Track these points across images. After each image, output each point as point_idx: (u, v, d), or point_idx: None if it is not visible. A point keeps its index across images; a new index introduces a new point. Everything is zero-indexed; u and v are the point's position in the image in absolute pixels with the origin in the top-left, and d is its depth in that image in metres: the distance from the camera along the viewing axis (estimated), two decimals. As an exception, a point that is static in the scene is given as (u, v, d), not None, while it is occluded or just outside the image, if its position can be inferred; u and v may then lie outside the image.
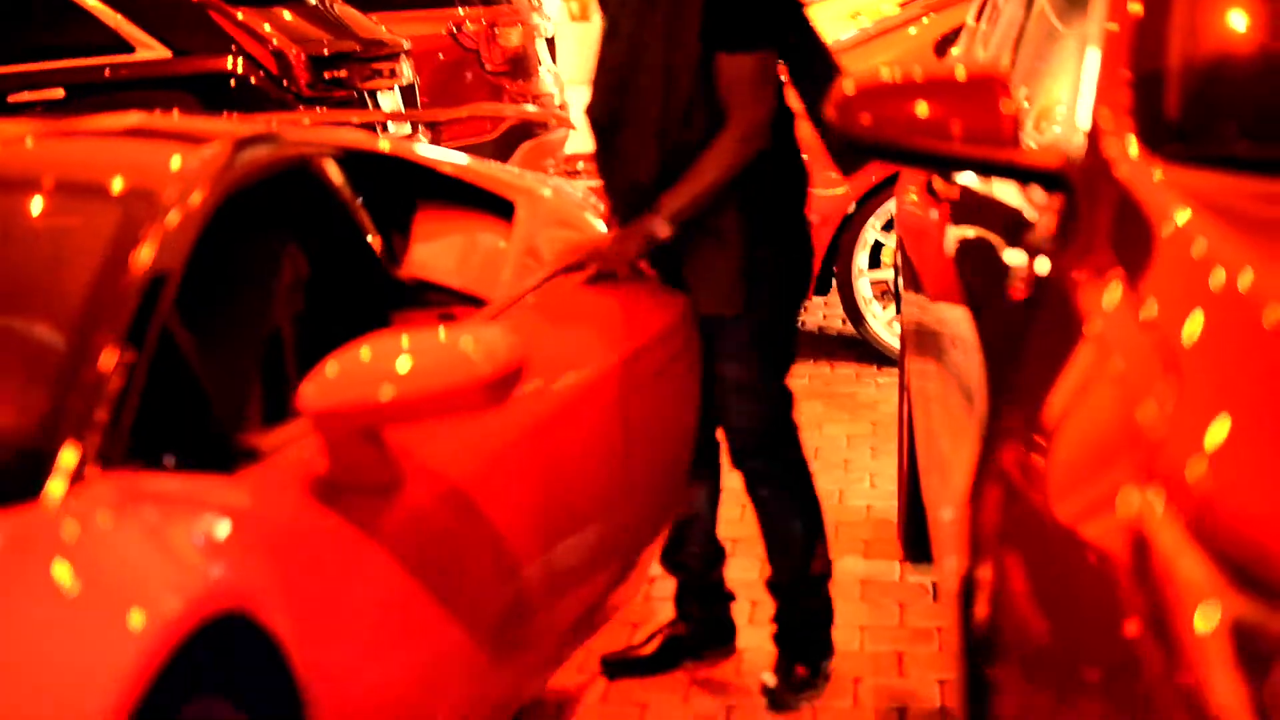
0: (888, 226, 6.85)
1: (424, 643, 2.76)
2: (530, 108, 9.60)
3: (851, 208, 6.94)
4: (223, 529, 2.36)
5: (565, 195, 4.39)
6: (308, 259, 3.43)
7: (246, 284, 3.22)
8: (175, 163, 2.93)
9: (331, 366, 2.55)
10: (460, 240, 4.01)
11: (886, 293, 6.86)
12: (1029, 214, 2.67)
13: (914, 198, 4.27)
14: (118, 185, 2.82)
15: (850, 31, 8.92)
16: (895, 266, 5.01)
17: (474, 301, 3.75)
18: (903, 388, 4.54)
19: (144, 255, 2.63)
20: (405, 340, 2.58)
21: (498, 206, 4.10)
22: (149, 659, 2.03)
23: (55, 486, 2.27)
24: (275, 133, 3.43)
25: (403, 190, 4.00)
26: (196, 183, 2.86)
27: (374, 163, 3.93)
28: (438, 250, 3.95)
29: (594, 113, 3.79)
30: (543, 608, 3.13)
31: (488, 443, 2.95)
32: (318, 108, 7.57)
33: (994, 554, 2.10)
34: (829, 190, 6.97)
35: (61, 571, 2.12)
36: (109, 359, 2.44)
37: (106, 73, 7.49)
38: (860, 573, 4.64)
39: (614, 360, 3.41)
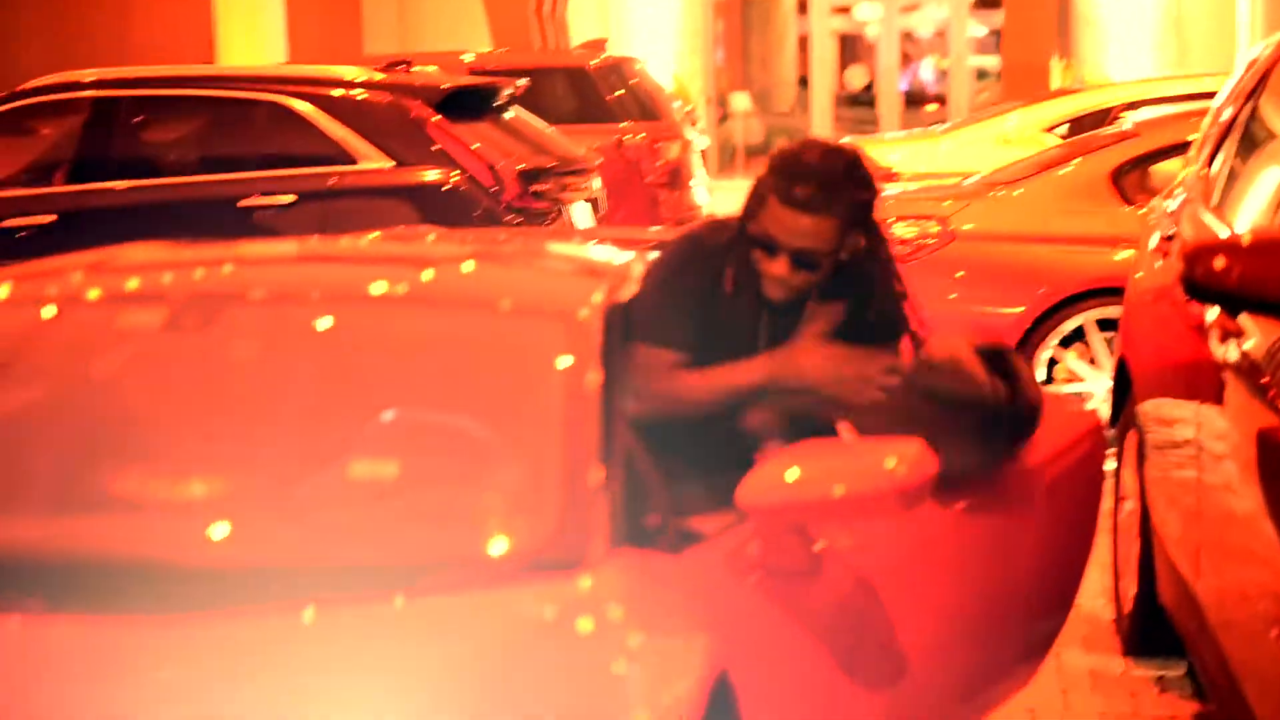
0: (1064, 343, 7.35)
1: (832, 707, 3.26)
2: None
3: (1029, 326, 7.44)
4: (701, 603, 2.87)
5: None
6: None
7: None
8: (597, 295, 3.41)
9: (774, 469, 3.05)
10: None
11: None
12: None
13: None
14: (562, 310, 3.34)
15: (1001, 157, 9.46)
16: (1118, 378, 5.42)
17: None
18: (1143, 490, 4.98)
19: (590, 372, 3.14)
20: (834, 451, 3.08)
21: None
22: (701, 696, 2.55)
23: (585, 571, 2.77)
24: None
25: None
26: (602, 308, 3.36)
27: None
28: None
29: None
30: (938, 686, 3.60)
31: (893, 542, 3.44)
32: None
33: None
34: (1006, 309, 7.52)
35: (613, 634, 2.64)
36: (597, 460, 2.95)
37: (332, 181, 8.09)
38: (1086, 666, 5.11)
39: (1014, 472, 3.78)
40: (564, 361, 3.18)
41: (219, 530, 2.87)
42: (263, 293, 3.47)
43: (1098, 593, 5.63)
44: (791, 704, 3.13)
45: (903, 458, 3.07)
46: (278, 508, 2.95)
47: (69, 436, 3.16)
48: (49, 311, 3.41)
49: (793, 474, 3.02)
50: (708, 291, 3.46)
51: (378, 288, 3.49)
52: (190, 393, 3.24)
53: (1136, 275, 5.35)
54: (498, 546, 2.79)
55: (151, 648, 2.54)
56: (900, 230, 7.65)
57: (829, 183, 3.40)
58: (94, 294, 3.46)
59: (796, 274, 3.42)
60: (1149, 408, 4.87)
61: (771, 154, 3.51)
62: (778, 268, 3.41)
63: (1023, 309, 7.45)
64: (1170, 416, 4.56)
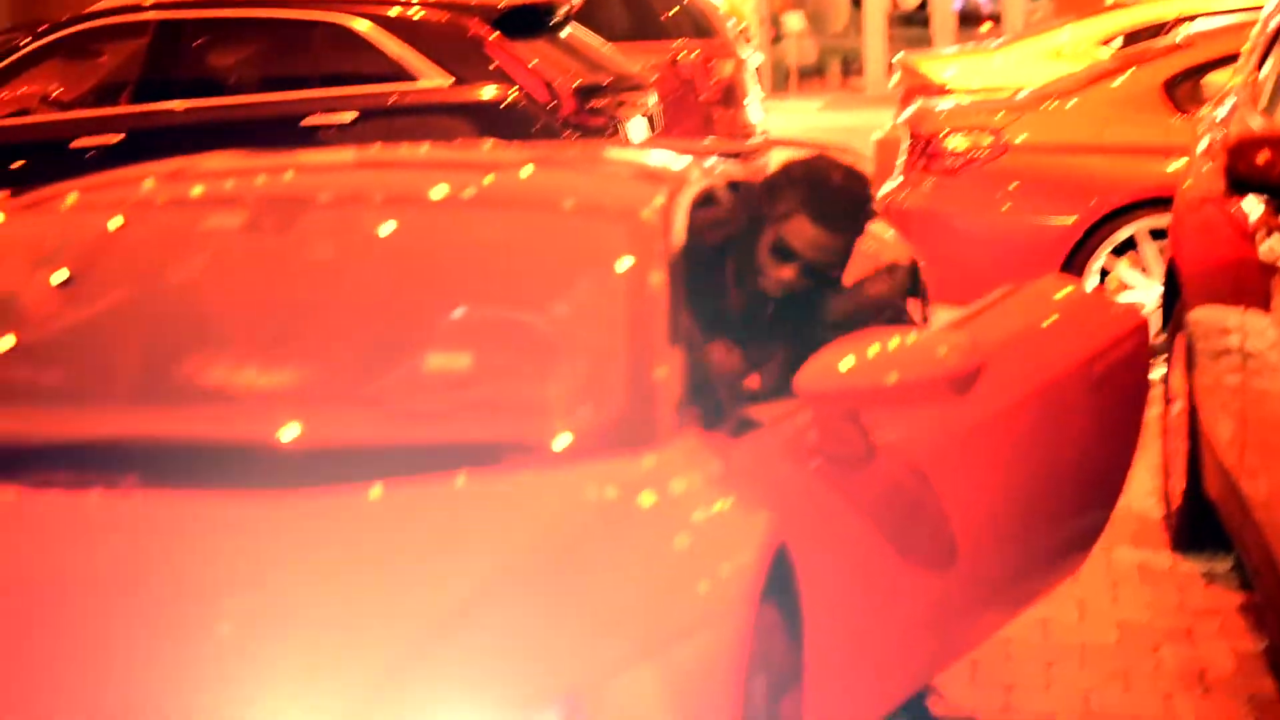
0: (1116, 252, 7.43)
1: (886, 590, 3.40)
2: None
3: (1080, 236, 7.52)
4: (760, 483, 3.01)
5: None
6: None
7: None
8: (659, 198, 3.54)
9: (830, 357, 3.18)
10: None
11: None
12: None
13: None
14: (626, 210, 3.47)
15: (1054, 71, 9.49)
16: (1168, 285, 5.52)
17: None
18: (1191, 392, 5.09)
19: (653, 269, 3.28)
20: (888, 341, 3.21)
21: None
22: (761, 568, 2.70)
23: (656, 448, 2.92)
24: (708, 165, 4.06)
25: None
26: (665, 209, 3.49)
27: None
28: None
29: None
30: (995, 562, 3.74)
31: (943, 430, 3.57)
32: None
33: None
34: (1057, 219, 7.60)
35: (678, 505, 2.79)
36: (660, 349, 3.09)
37: (392, 99, 8.22)
38: (1135, 560, 5.24)
39: (1060, 369, 3.92)
40: (628, 258, 3.31)
41: (297, 415, 3.03)
42: (338, 196, 3.63)
43: (1147, 492, 5.75)
44: (846, 584, 3.28)
45: (953, 347, 3.20)
46: (352, 395, 3.10)
47: (158, 330, 3.32)
48: (137, 214, 3.57)
49: (847, 362, 3.15)
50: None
51: (450, 190, 3.63)
52: (271, 290, 3.40)
53: (1186, 182, 5.43)
54: (564, 429, 2.93)
55: (233, 520, 2.70)
56: (953, 142, 7.73)
57: (860, 205, 3.61)
58: (178, 197, 3.61)
59: (802, 279, 3.56)
60: (1198, 313, 4.96)
61: (794, 169, 3.65)
62: (787, 273, 3.55)
63: (1075, 219, 7.52)
64: (1219, 319, 4.67)
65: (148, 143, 8.19)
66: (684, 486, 2.86)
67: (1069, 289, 4.22)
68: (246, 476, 2.77)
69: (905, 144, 8.08)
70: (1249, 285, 4.27)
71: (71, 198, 3.72)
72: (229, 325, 3.33)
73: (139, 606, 2.50)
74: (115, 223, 3.56)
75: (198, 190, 3.70)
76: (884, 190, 8.22)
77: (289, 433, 2.93)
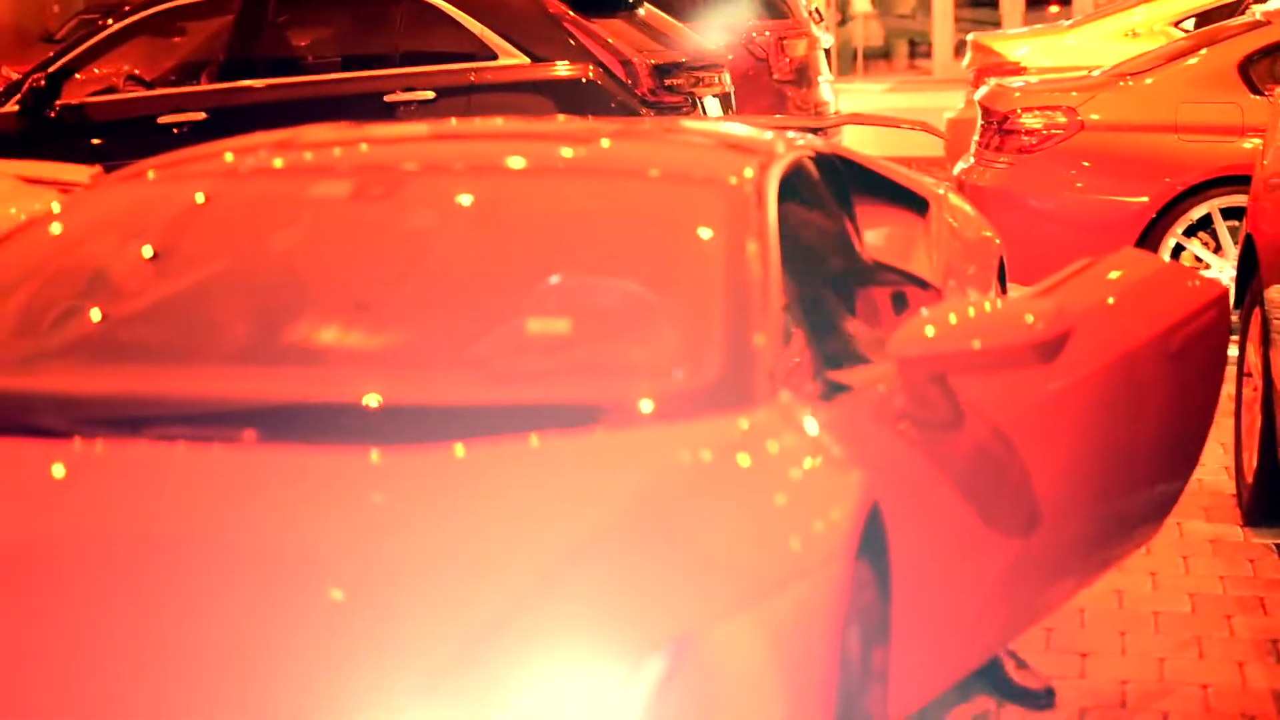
0: (1189, 232, 7.48)
1: (968, 553, 3.50)
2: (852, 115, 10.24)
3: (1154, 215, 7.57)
4: (853, 443, 3.11)
5: (947, 196, 5.15)
6: (827, 236, 4.17)
7: (801, 255, 3.95)
8: (749, 169, 3.66)
9: (922, 322, 3.28)
10: (894, 229, 4.74)
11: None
12: None
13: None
14: (721, 178, 3.59)
15: (1127, 51, 9.52)
16: (1243, 263, 5.58)
17: (917, 282, 4.46)
18: (1267, 366, 5.15)
19: (747, 236, 3.39)
20: (977, 306, 3.31)
21: (913, 202, 4.85)
22: (858, 523, 2.81)
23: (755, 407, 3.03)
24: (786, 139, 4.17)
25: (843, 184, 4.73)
26: (769, 179, 3.61)
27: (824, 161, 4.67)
28: (878, 236, 4.68)
29: None
30: (1073, 529, 3.83)
31: (1030, 396, 3.66)
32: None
33: None
34: (1130, 198, 7.65)
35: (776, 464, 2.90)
36: (764, 311, 3.20)
37: (471, 78, 8.35)
38: (1207, 534, 5.31)
39: (1140, 339, 3.97)
40: (725, 225, 3.42)
41: (404, 376, 3.15)
42: (436, 165, 3.75)
43: (1219, 468, 5.81)
44: (932, 546, 3.37)
45: (1040, 314, 3.29)
46: (457, 358, 3.22)
47: (267, 296, 3.44)
48: (242, 184, 3.71)
49: (935, 327, 3.24)
50: None
51: (546, 160, 3.75)
52: (375, 257, 3.52)
53: (1265, 159, 5.48)
54: (662, 390, 3.04)
55: (349, 475, 2.81)
56: (1027, 121, 7.79)
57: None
58: (283, 166, 3.74)
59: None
60: (1275, 290, 5.02)
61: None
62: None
63: (1148, 198, 7.58)
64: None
65: (230, 120, 8.36)
66: (781, 445, 2.96)
67: (1149, 261, 4.29)
68: (358, 435, 2.89)
69: (979, 123, 8.16)
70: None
71: (172, 170, 3.85)
72: (335, 291, 3.45)
73: (264, 558, 2.62)
74: (221, 192, 3.69)
75: (302, 159, 3.83)
76: (958, 169, 8.29)
77: (397, 393, 3.04)
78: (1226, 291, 4.32)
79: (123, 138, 8.46)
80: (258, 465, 2.87)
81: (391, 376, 3.13)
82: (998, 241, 5.42)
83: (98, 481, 2.85)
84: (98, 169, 6.36)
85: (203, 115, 8.53)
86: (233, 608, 2.50)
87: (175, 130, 8.45)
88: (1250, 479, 5.37)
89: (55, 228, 3.70)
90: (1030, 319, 3.28)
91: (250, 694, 2.34)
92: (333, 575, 2.54)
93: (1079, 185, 7.77)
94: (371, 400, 2.97)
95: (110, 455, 2.90)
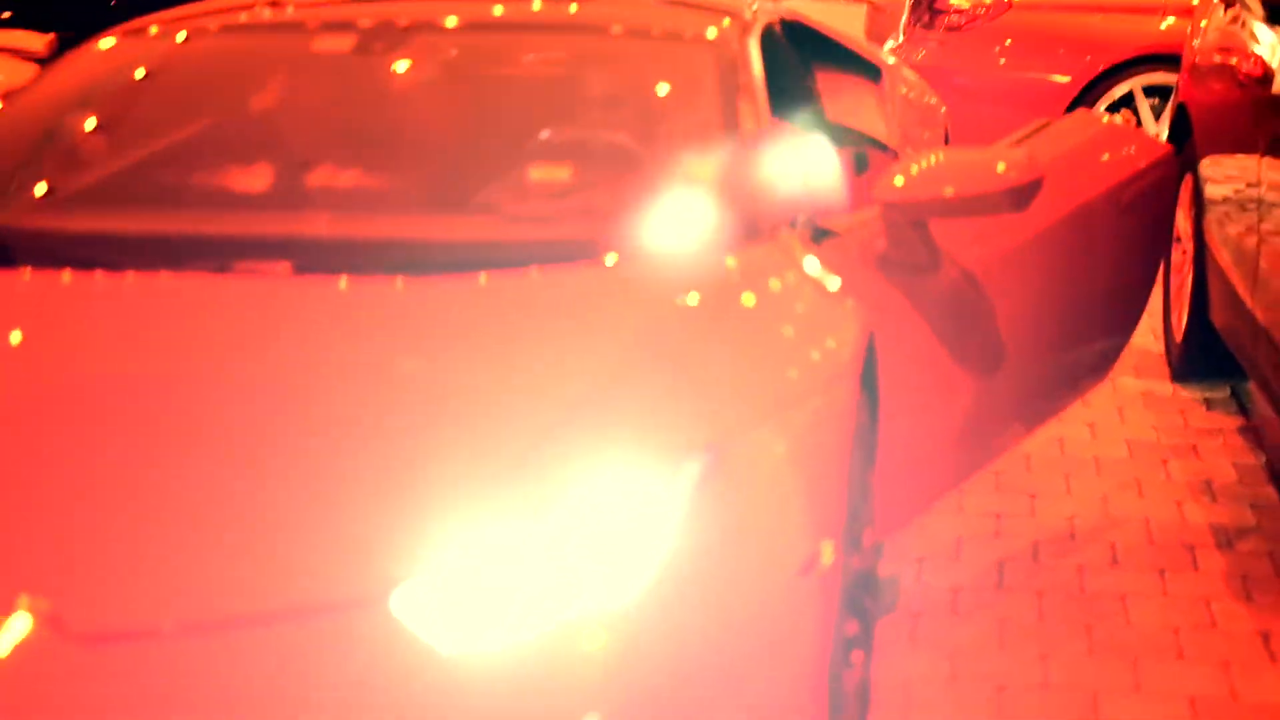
0: (1111, 109, 7.73)
1: (940, 389, 3.73)
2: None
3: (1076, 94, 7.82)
4: (846, 281, 3.32)
5: (900, 65, 5.37)
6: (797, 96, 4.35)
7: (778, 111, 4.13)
8: (725, 23, 3.86)
9: (903, 169, 3.48)
10: (850, 94, 4.94)
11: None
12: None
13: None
14: (702, 35, 3.77)
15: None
16: (1173, 132, 5.83)
17: (876, 144, 4.67)
18: (1198, 230, 5.42)
19: (744, 92, 3.58)
20: (954, 155, 3.51)
21: (867, 69, 5.06)
22: (861, 345, 3.03)
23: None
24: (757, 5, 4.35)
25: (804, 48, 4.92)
26: (752, 37, 3.81)
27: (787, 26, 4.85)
28: (836, 101, 4.88)
29: None
30: (1028, 375, 4.07)
31: (997, 245, 3.88)
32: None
33: None
34: (1055, 76, 7.89)
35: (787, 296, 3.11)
36: (758, 157, 3.39)
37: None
38: (1139, 389, 5.60)
39: (1097, 191, 4.25)
40: (716, 78, 3.60)
41: (419, 213, 3.32)
42: (436, 21, 3.90)
43: (1145, 330, 6.09)
44: (911, 380, 3.60)
45: (1012, 163, 3.50)
46: (466, 201, 3.39)
47: (288, 142, 3.59)
48: (258, 37, 3.85)
49: (918, 173, 3.45)
50: None
51: (545, 16, 3.92)
52: (389, 109, 3.68)
53: (1200, 22, 5.71)
54: (671, 229, 3.22)
55: (386, 303, 2.98)
56: (956, 0, 8.00)
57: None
58: (296, 20, 3.89)
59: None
60: (1210, 161, 5.26)
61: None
62: None
63: (1070, 77, 7.82)
64: (1232, 162, 4.97)
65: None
66: (786, 277, 3.16)
67: (1101, 121, 4.52)
68: (389, 268, 3.05)
69: (908, 3, 8.35)
70: (1266, 124, 4.58)
71: (175, 25, 3.97)
72: (350, 139, 3.60)
73: (322, 378, 2.78)
74: (232, 45, 3.83)
75: (305, 14, 3.97)
76: (888, 46, 8.48)
77: (420, 230, 3.21)
78: (1173, 150, 4.55)
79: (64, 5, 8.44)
80: (298, 294, 3.02)
81: (409, 217, 3.30)
82: (943, 109, 5.65)
83: (143, 314, 3.00)
84: (51, 36, 6.41)
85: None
86: (298, 427, 2.67)
87: (113, 2, 8.45)
88: (1179, 338, 5.65)
89: (66, 80, 3.82)
90: (1003, 167, 3.50)
91: (332, 499, 2.52)
92: (394, 394, 2.72)
93: (1004, 63, 8.00)
94: (401, 237, 3.14)
95: (154, 288, 3.04)
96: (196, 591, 2.40)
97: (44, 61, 6.42)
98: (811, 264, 3.23)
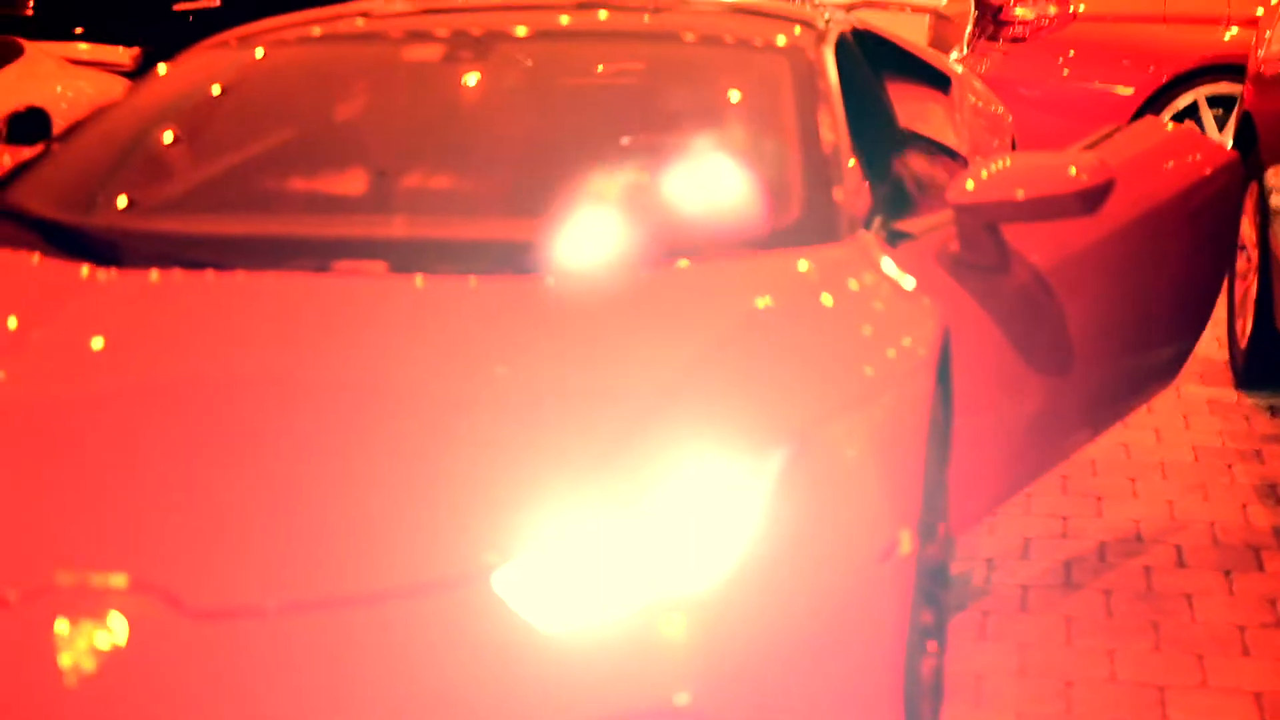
0: (1176, 119, 7.79)
1: (1009, 390, 3.81)
2: None
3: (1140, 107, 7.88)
4: (921, 281, 3.41)
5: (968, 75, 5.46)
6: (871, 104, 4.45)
7: (853, 119, 4.23)
8: (799, 31, 3.98)
9: (975, 173, 3.58)
10: (921, 104, 5.04)
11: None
12: None
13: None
14: (780, 44, 3.89)
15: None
16: (1238, 141, 5.91)
17: (947, 152, 4.76)
18: (1264, 236, 5.48)
19: (821, 99, 3.69)
20: (1024, 158, 3.60)
21: (937, 80, 5.16)
22: (937, 340, 3.12)
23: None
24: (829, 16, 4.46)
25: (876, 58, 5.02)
26: (827, 46, 3.92)
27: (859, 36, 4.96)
28: (908, 110, 4.98)
29: None
30: (1096, 378, 4.15)
31: (1068, 248, 3.96)
32: None
33: None
34: (1119, 87, 7.96)
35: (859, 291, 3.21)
36: (838, 163, 3.50)
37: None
38: (1204, 396, 5.66)
39: (1164, 195, 4.32)
40: (792, 86, 3.72)
41: (508, 217, 3.45)
42: (515, 31, 4.02)
43: (1210, 338, 6.16)
44: (982, 379, 3.69)
45: (1082, 166, 3.59)
46: (548, 203, 3.50)
47: (371, 150, 3.73)
48: (345, 49, 4.00)
49: (985, 177, 3.55)
50: None
51: (624, 25, 4.05)
52: (471, 115, 3.81)
53: (1265, 32, 5.78)
54: (754, 230, 3.33)
55: (478, 300, 3.10)
56: (1020, 11, 8.08)
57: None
58: (377, 31, 4.03)
59: None
60: (1274, 151, 5.32)
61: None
62: None
63: (1133, 89, 7.89)
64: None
65: (244, 5, 8.55)
66: (862, 278, 3.26)
67: (1168, 127, 4.60)
68: (481, 267, 3.17)
69: (973, 14, 8.44)
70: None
71: (270, 36, 4.12)
72: (438, 145, 3.73)
73: (420, 370, 2.91)
74: (326, 55, 3.98)
75: (390, 25, 4.10)
76: (953, 58, 8.57)
77: (512, 231, 3.34)
78: (1239, 157, 4.62)
79: (141, 22, 8.64)
80: (394, 292, 3.15)
81: (498, 220, 3.42)
82: (1010, 118, 5.73)
83: (248, 310, 3.13)
84: (137, 50, 6.57)
85: (217, 2, 8.72)
86: (401, 416, 2.78)
87: (190, 18, 8.64)
88: (1244, 344, 5.71)
89: (164, 90, 3.97)
90: (1074, 170, 3.58)
91: (435, 486, 2.63)
92: (491, 387, 2.83)
93: (1068, 74, 8.07)
94: (494, 238, 3.27)
95: (257, 287, 3.17)
96: (307, 571, 2.52)
97: (131, 75, 6.59)
98: (888, 265, 3.33)
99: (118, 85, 6.34)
